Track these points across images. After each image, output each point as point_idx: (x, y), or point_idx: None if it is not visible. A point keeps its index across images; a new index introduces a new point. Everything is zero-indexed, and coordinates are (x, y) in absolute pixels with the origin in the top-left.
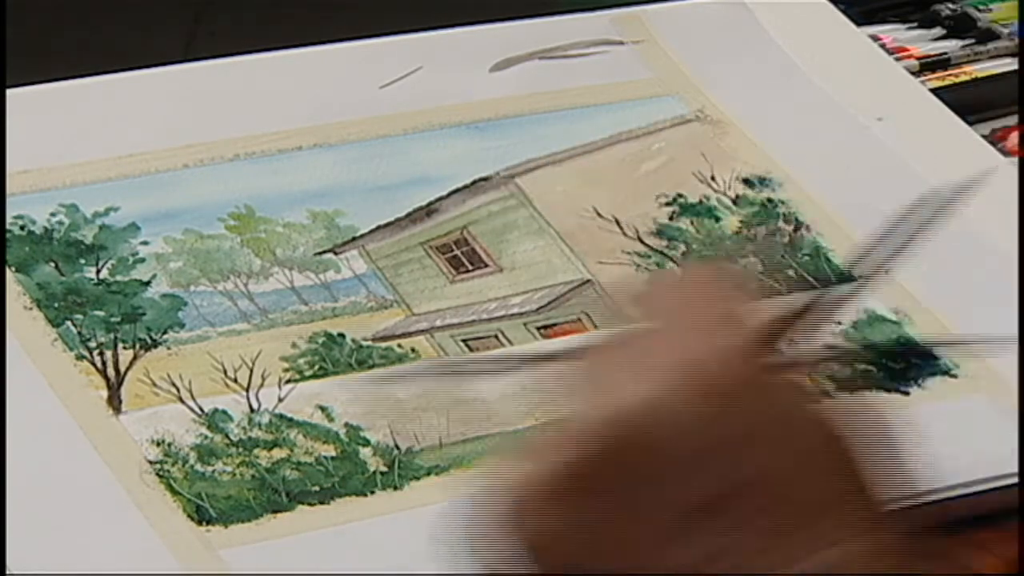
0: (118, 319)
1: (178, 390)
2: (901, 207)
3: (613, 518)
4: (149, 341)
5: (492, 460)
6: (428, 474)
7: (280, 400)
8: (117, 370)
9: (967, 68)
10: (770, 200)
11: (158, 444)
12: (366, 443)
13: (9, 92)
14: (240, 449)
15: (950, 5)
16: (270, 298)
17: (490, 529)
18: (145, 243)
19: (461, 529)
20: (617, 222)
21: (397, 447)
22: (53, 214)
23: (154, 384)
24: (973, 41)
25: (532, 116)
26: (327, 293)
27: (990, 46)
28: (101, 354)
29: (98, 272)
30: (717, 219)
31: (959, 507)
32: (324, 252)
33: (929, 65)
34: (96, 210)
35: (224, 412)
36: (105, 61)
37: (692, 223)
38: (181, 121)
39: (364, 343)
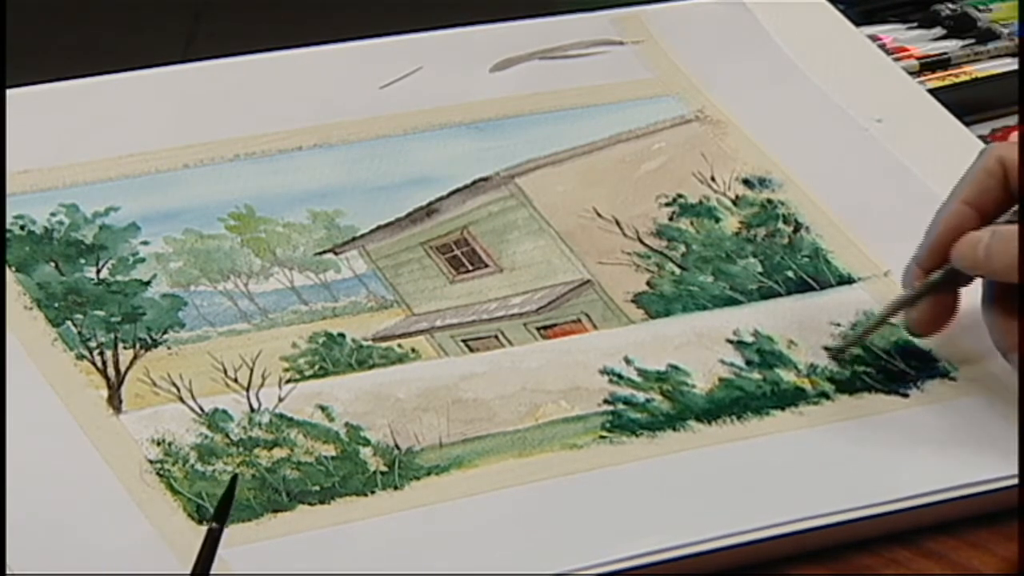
0: (118, 319)
1: (178, 390)
2: None
3: None
4: (149, 341)
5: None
6: (428, 474)
7: (280, 400)
8: (117, 370)
9: (967, 68)
10: (770, 201)
11: (158, 443)
12: (366, 443)
13: (9, 92)
14: (240, 449)
15: (950, 5)
16: (270, 298)
17: None
18: (145, 243)
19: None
20: (617, 222)
21: (397, 447)
22: (53, 214)
23: (154, 384)
24: (973, 41)
25: (532, 116)
26: (327, 293)
27: (990, 46)
28: (101, 354)
29: (98, 272)
30: (717, 219)
31: (959, 507)
32: (324, 252)
33: (929, 65)
34: (96, 210)
35: (224, 412)
36: (105, 61)
37: (692, 223)
38: (181, 121)
39: (364, 343)
